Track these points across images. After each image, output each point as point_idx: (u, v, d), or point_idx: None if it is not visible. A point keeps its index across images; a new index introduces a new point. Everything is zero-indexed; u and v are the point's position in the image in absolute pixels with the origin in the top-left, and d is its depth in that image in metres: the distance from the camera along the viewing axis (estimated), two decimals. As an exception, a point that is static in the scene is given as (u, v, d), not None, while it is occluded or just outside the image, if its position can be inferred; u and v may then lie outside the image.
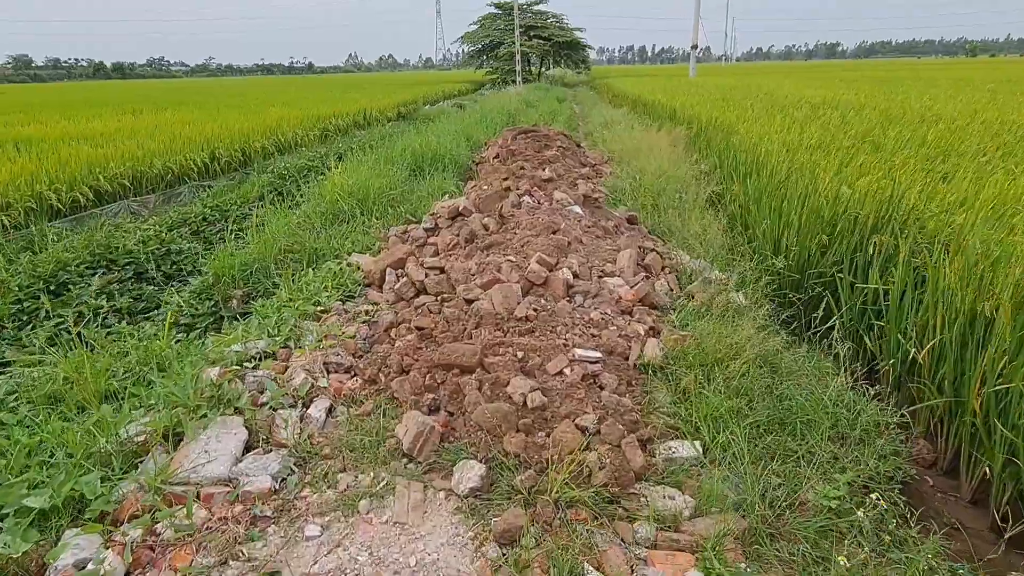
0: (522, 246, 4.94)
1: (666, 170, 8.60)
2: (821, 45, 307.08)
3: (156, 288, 6.66)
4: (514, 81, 39.05)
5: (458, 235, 5.36)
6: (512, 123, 15.86)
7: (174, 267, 6.95)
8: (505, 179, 6.00)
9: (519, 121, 15.95)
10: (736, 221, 6.72)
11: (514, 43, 41.59)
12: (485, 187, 5.84)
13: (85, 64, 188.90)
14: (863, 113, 11.42)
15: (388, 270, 5.03)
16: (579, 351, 3.69)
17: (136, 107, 23.01)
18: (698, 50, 48.67)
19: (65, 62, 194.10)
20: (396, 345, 4.03)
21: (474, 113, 17.23)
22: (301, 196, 7.82)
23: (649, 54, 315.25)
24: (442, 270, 4.90)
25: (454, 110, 23.61)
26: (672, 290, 5.08)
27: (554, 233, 5.05)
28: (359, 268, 5.47)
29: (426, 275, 4.86)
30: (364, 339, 4.27)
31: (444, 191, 8.13)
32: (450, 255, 5.17)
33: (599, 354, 3.70)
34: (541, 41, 49.32)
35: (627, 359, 3.90)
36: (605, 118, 16.22)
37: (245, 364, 3.95)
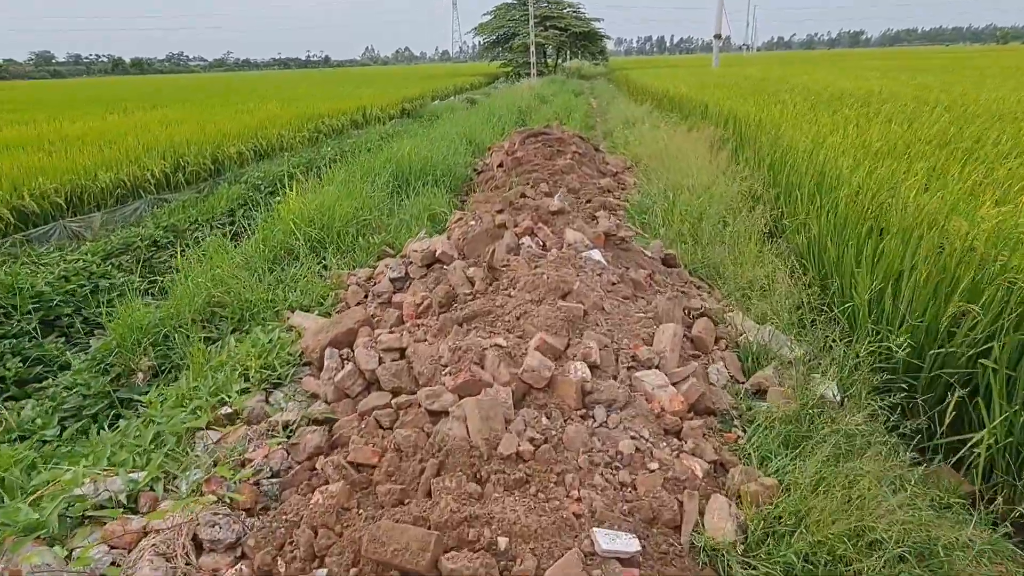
0: (518, 318, 3.44)
1: (707, 185, 7.04)
2: (844, 34, 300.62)
3: (67, 343, 5.28)
4: (528, 74, 37.33)
5: (431, 292, 3.87)
6: (522, 122, 14.33)
7: (101, 309, 5.50)
8: (500, 211, 4.47)
9: (531, 119, 14.41)
10: (806, 262, 5.16)
11: (529, 34, 39.88)
12: (472, 222, 4.35)
13: (105, 60, 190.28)
14: (923, 108, 9.75)
15: (329, 350, 3.56)
16: (602, 538, 2.20)
17: (129, 105, 21.79)
18: (721, 40, 46.68)
19: (86, 58, 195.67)
20: (314, 500, 2.56)
21: (482, 110, 15.70)
22: (268, 216, 6.37)
23: (668, 45, 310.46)
24: (403, 353, 3.42)
25: (464, 105, 22.09)
26: (732, 377, 3.56)
27: (564, 297, 3.54)
28: (300, 335, 4.01)
29: (380, 361, 3.38)
30: (273, 478, 2.81)
31: (431, 212, 6.64)
32: (418, 326, 3.68)
33: (635, 542, 2.21)
34: (557, 31, 47.51)
35: (678, 532, 2.41)
36: (626, 115, 14.61)
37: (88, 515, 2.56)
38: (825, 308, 4.41)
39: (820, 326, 3.95)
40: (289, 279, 4.90)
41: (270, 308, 4.48)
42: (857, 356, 3.50)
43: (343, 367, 3.44)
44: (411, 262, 4.34)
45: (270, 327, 4.11)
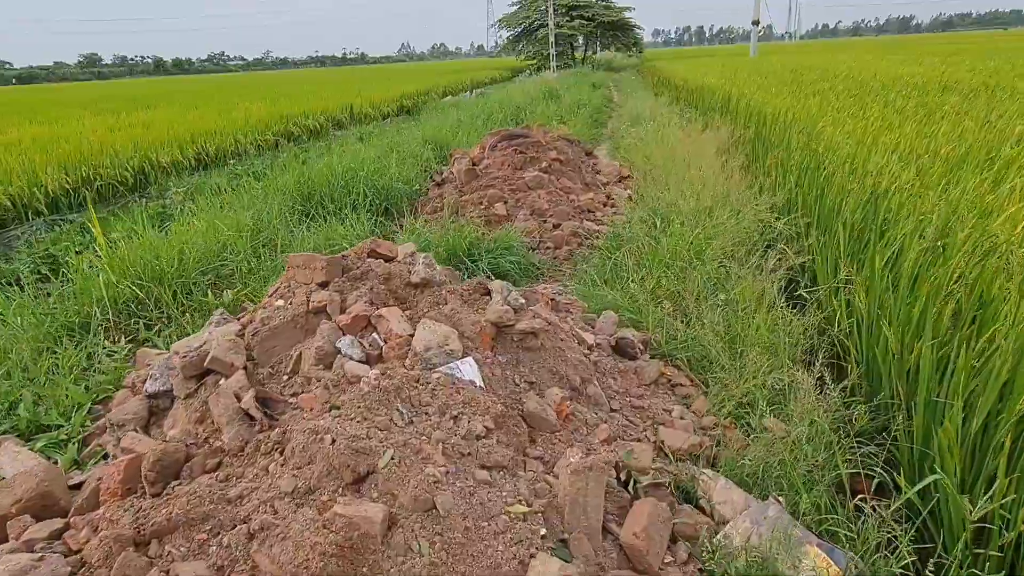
0: (250, 537, 1.72)
1: (709, 208, 5.18)
2: (893, 20, 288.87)
3: None
4: (544, 67, 35.34)
5: (164, 445, 2.15)
6: (517, 119, 12.51)
7: None
8: (323, 283, 2.65)
9: (526, 117, 12.57)
10: (851, 348, 3.25)
11: (554, 24, 37.81)
12: (279, 303, 2.61)
13: (149, 60, 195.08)
14: (1000, 97, 7.65)
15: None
16: None
17: (118, 107, 20.70)
18: (759, 27, 43.99)
19: (132, 59, 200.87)
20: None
21: (469, 108, 13.91)
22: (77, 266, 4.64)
23: (707, 35, 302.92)
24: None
25: (474, 100, 20.33)
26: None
27: (359, 483, 1.80)
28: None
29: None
30: None
31: (334, 249, 4.93)
32: (107, 520, 1.98)
33: None
34: (584, 21, 45.27)
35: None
36: (638, 111, 12.66)
37: None
38: (887, 447, 2.54)
39: (880, 513, 2.10)
40: (43, 372, 3.25)
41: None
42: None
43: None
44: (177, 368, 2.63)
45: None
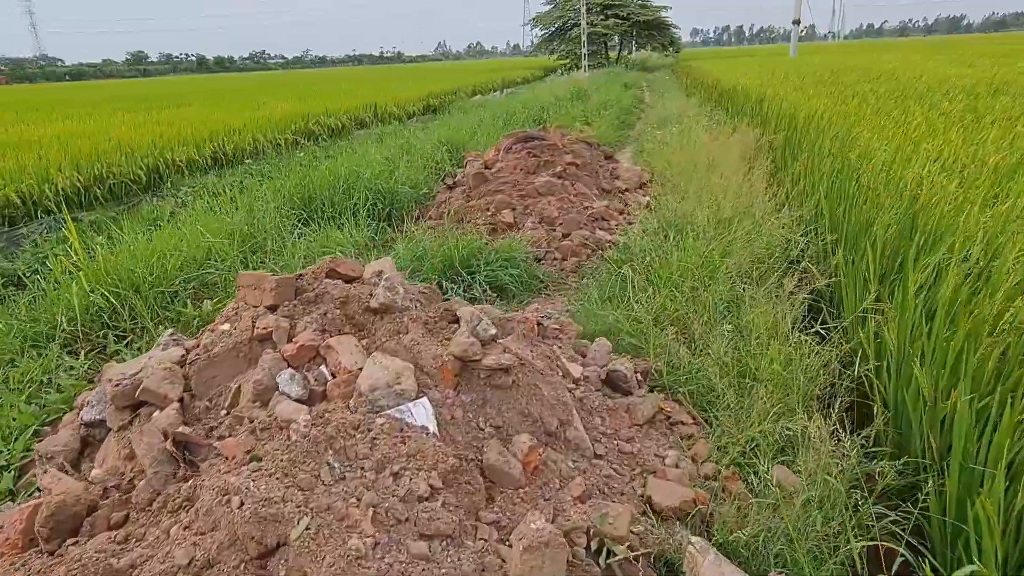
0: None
1: (728, 219, 4.79)
2: (943, 19, 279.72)
3: None
4: (577, 66, 34.85)
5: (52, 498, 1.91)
6: (540, 120, 12.17)
7: None
8: (272, 306, 2.37)
9: (550, 118, 12.23)
10: (884, 401, 2.85)
11: (587, 23, 37.29)
12: (224, 327, 2.34)
13: (193, 58, 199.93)
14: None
15: None
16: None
17: (151, 104, 20.97)
18: (801, 27, 42.82)
19: (176, 57, 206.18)
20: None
21: (495, 108, 13.62)
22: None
23: (747, 34, 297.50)
24: None
25: (502, 100, 20.05)
26: None
27: (264, 558, 1.52)
28: None
29: None
30: None
31: (326, 250, 4.70)
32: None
33: None
34: (619, 20, 44.60)
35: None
36: (668, 112, 12.21)
37: None
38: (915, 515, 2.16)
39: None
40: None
41: None
42: None
43: None
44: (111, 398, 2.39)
45: None
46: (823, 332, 3.31)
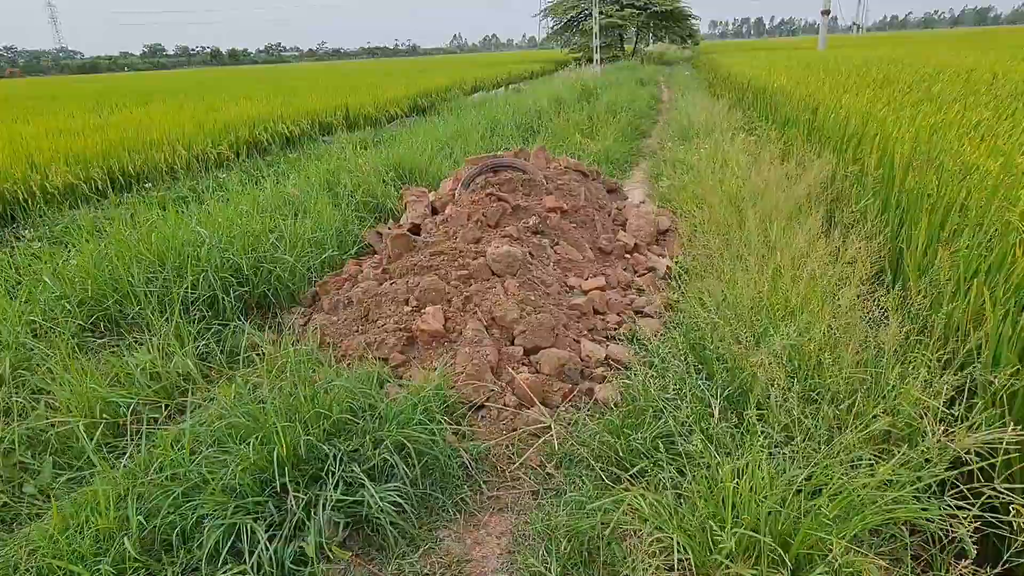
0: None
1: (817, 347, 2.58)
2: (969, 11, 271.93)
3: None
4: (590, 60, 32.37)
5: None
6: (532, 129, 9.90)
7: None
8: None
9: (545, 126, 9.96)
10: None
11: (600, 13, 34.75)
12: None
13: (208, 51, 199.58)
14: None
15: None
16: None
17: (119, 102, 18.97)
18: (829, 17, 40.06)
19: (193, 50, 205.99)
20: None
21: (488, 110, 11.31)
22: None
23: (767, 26, 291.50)
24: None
25: (507, 96, 17.73)
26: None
27: None
28: None
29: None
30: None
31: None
32: None
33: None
34: (635, 11, 42.00)
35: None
36: (689, 120, 9.87)
37: None
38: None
39: None
40: None
41: None
42: None
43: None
44: None
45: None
46: None
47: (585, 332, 3.60)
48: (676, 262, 4.59)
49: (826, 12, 37.64)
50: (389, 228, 5.14)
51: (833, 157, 5.61)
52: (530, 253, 4.14)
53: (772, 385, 2.47)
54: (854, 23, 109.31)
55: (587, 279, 4.18)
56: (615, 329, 3.72)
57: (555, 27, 46.48)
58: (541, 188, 5.11)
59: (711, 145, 7.05)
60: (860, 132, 5.60)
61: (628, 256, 4.79)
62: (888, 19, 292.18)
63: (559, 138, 9.07)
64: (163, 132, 9.57)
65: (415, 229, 4.71)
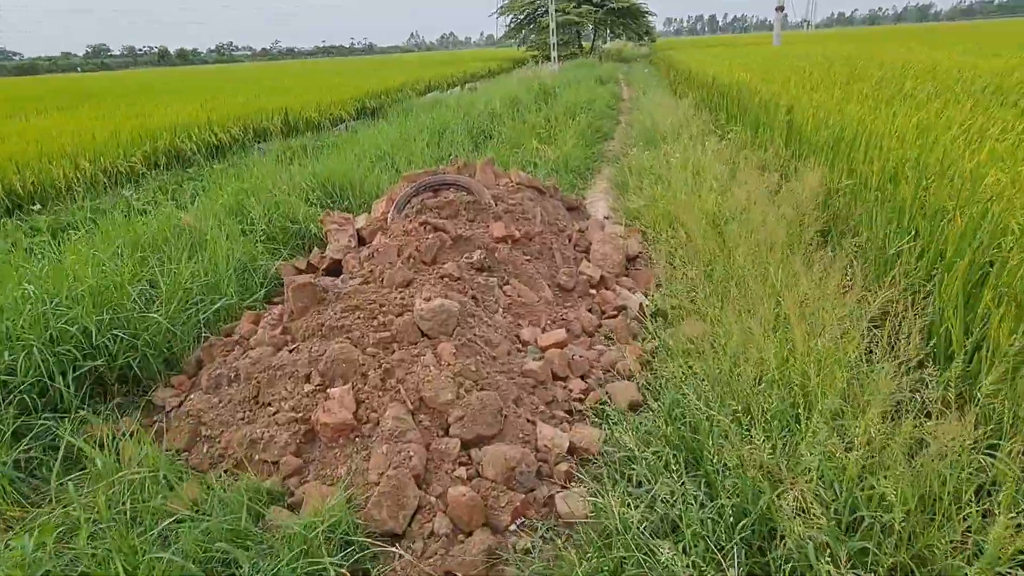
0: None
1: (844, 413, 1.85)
2: (912, 8, 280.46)
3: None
4: (548, 57, 31.70)
5: None
6: (485, 134, 9.10)
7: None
8: None
9: (498, 130, 9.16)
10: None
11: (557, 11, 34.08)
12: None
13: (155, 51, 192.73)
14: None
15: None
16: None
17: (39, 107, 17.45)
18: (782, 13, 40.17)
19: (140, 50, 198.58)
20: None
21: (439, 112, 10.43)
22: None
23: (720, 23, 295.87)
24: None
25: (460, 97, 16.86)
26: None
27: None
28: None
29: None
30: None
31: None
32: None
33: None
34: (591, 8, 41.50)
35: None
36: (653, 121, 9.19)
37: None
38: None
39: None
40: None
41: None
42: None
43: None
44: None
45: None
46: None
47: (542, 407, 2.80)
48: (651, 300, 3.84)
49: (780, 8, 37.70)
50: (310, 261, 4.26)
51: (821, 166, 4.94)
52: (474, 298, 3.33)
53: (805, 524, 1.73)
54: (804, 20, 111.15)
55: (544, 329, 3.39)
56: (581, 399, 2.94)
57: (512, 25, 45.70)
58: (488, 211, 4.30)
59: (681, 152, 6.34)
60: (851, 138, 4.93)
61: (593, 292, 4.01)
62: (835, 16, 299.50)
63: (514, 144, 8.28)
64: (69, 142, 8.45)
65: (335, 266, 3.86)
